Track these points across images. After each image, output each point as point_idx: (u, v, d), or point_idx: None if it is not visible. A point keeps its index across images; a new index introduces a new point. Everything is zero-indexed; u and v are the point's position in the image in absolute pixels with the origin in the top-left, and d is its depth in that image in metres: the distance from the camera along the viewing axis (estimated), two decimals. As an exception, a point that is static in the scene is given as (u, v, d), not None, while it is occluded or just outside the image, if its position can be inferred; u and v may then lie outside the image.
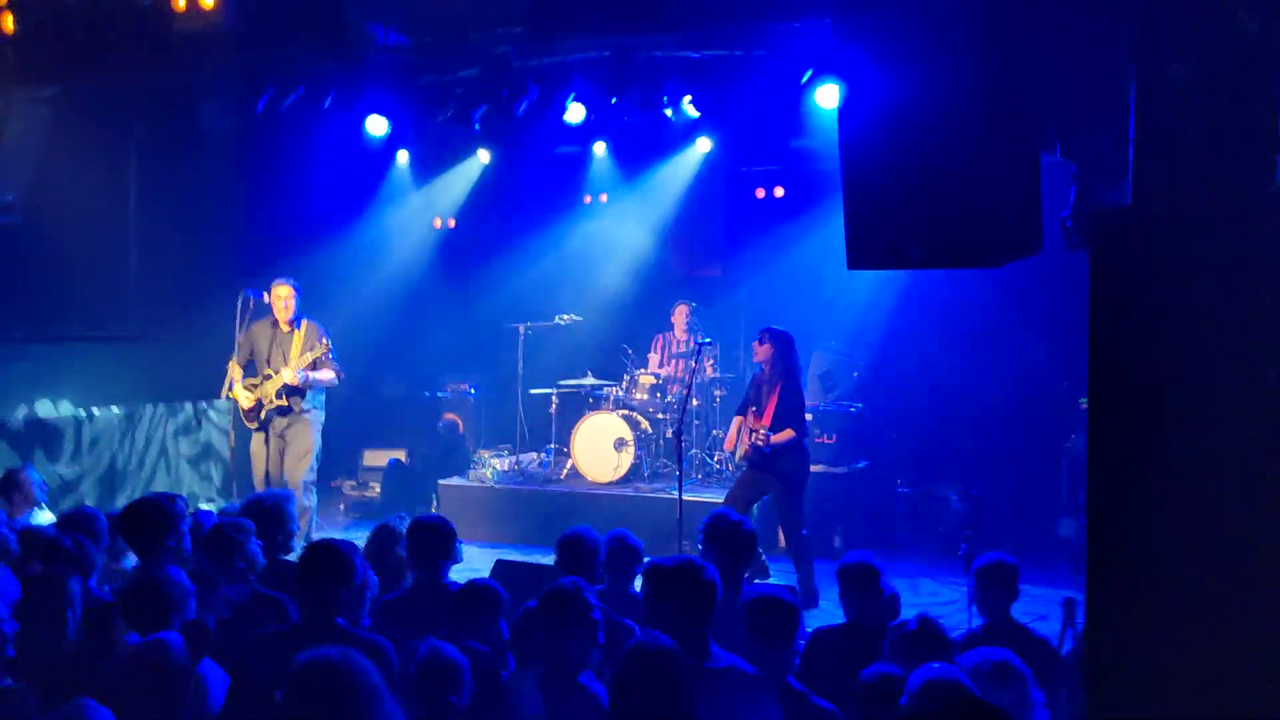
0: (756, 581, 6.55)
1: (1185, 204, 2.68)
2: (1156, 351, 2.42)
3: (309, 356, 8.40)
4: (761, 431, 7.67)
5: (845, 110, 4.42)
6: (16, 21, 7.26)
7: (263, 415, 8.48)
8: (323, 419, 8.67)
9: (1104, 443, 2.56)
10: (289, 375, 8.33)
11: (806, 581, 7.76)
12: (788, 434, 7.74)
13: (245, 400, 8.50)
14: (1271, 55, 2.59)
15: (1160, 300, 2.42)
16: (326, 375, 8.53)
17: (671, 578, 3.91)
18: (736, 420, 8.31)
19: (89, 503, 9.59)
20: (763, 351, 7.90)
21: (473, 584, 4.59)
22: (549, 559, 5.29)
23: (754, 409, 7.92)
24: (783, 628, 4.05)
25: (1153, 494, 2.45)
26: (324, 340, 8.54)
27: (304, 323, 8.61)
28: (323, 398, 8.69)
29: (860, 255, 4.47)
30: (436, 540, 4.92)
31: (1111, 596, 2.49)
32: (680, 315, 10.96)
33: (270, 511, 5.40)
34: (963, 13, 4.16)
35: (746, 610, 4.10)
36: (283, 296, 8.50)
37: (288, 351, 8.46)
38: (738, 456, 8.40)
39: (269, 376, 8.45)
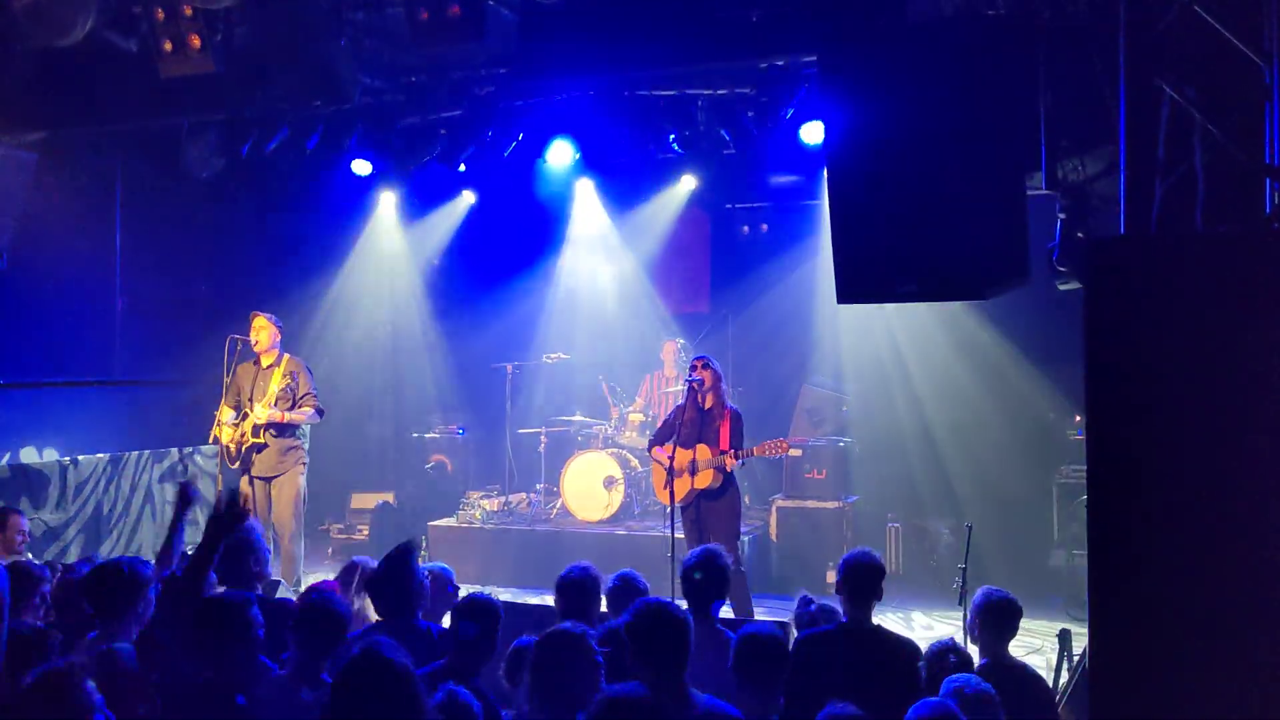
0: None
1: (1179, 231, 2.70)
2: (1152, 377, 2.42)
3: (275, 391, 8.34)
4: (732, 454, 7.61)
5: (831, 147, 4.46)
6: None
7: (241, 452, 8.41)
8: (307, 460, 8.60)
9: (1103, 469, 2.56)
10: (260, 414, 8.28)
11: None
12: (777, 446, 7.72)
13: (226, 437, 8.42)
14: (1263, 82, 2.62)
15: (1155, 327, 2.43)
16: (306, 412, 8.45)
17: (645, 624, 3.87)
18: (664, 458, 7.81)
19: (74, 550, 9.51)
20: (709, 377, 7.82)
21: (471, 597, 4.54)
22: (539, 599, 5.25)
23: (701, 442, 7.75)
24: (772, 668, 4.02)
25: (1152, 518, 2.45)
26: (301, 377, 8.48)
27: (285, 359, 8.55)
28: (306, 439, 8.62)
29: (849, 290, 4.50)
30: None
31: (1114, 622, 2.48)
32: (669, 353, 10.97)
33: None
34: (947, 49, 4.21)
35: (735, 649, 4.06)
36: (257, 328, 8.46)
37: (266, 388, 8.41)
38: (679, 498, 7.78)
39: (247, 415, 8.38)
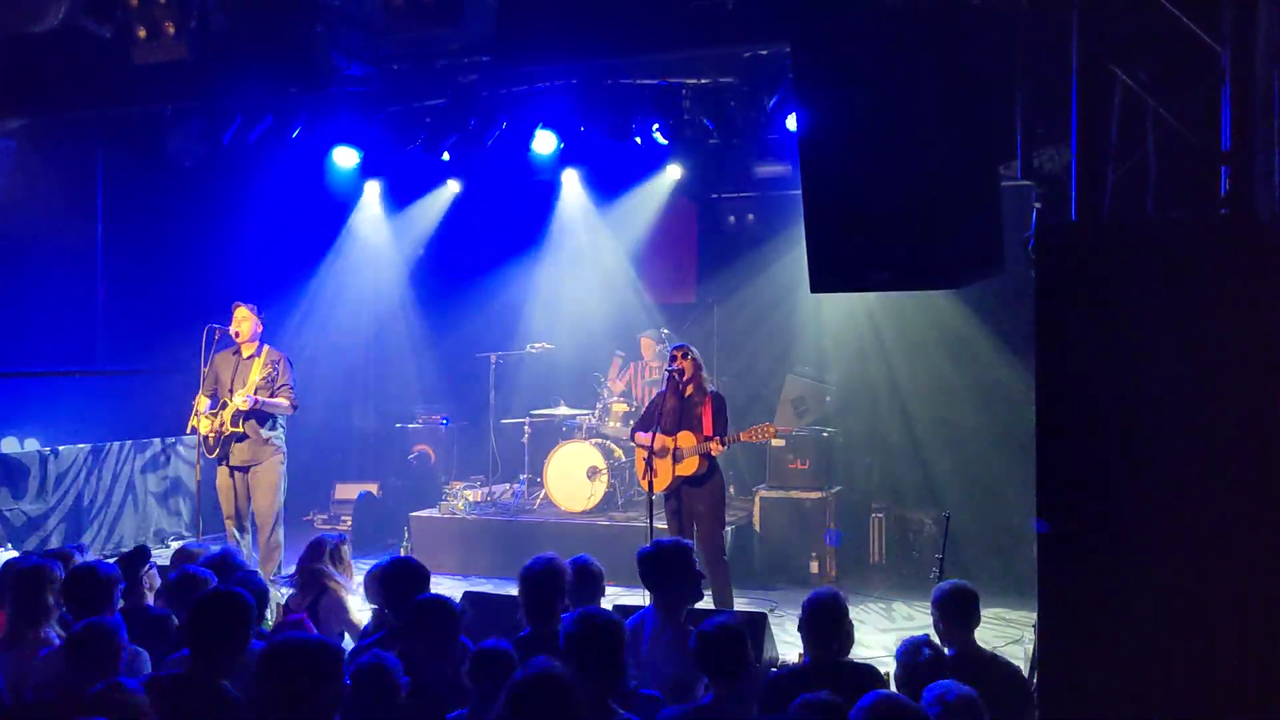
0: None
1: (1130, 217, 2.68)
2: (1101, 361, 2.41)
3: (255, 380, 8.31)
4: (717, 440, 7.59)
5: (805, 136, 4.43)
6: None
7: (220, 442, 8.36)
8: (285, 450, 8.56)
9: (1051, 453, 2.55)
10: (239, 400, 8.23)
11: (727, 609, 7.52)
12: (763, 431, 7.71)
13: (204, 428, 8.38)
14: (1217, 66, 2.60)
15: (1104, 311, 2.41)
16: (280, 402, 8.39)
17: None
18: (648, 443, 7.77)
19: (55, 541, 9.47)
20: (689, 367, 7.79)
21: (424, 599, 4.52)
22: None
23: (684, 429, 7.73)
24: (735, 658, 4.00)
25: (1100, 502, 2.44)
26: (281, 367, 8.44)
27: (265, 349, 8.52)
28: (283, 428, 8.58)
29: (823, 279, 4.47)
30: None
31: (1062, 607, 2.47)
32: (647, 346, 10.95)
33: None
34: (920, 39, 4.18)
35: (696, 645, 4.04)
36: (239, 319, 8.42)
37: (246, 378, 8.38)
38: (663, 487, 7.77)
39: (225, 405, 8.33)
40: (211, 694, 3.83)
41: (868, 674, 4.51)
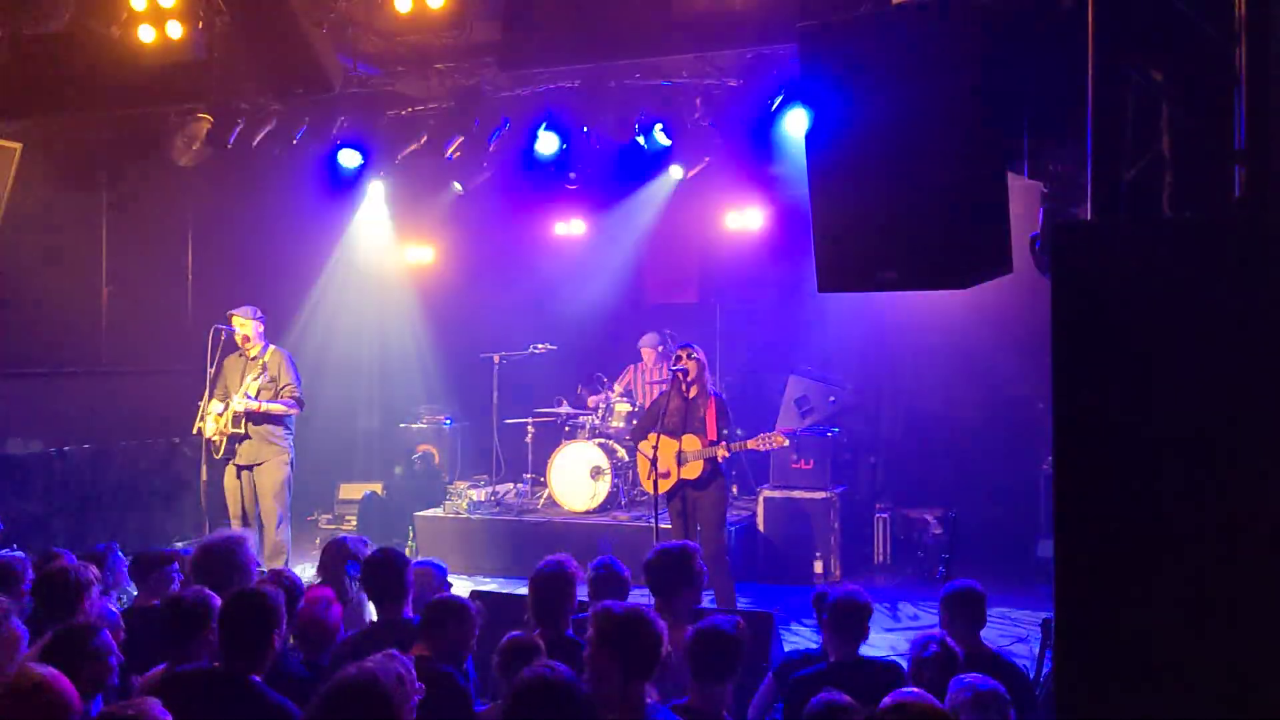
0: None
1: (1145, 217, 2.68)
2: (1119, 364, 2.40)
3: (254, 384, 8.33)
4: (724, 446, 7.61)
5: (813, 135, 4.42)
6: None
7: (223, 444, 8.38)
8: (292, 451, 8.57)
9: (1069, 455, 2.55)
10: (237, 402, 8.27)
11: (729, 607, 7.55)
12: (771, 439, 7.74)
13: (209, 430, 8.40)
14: (1231, 65, 2.60)
15: (1121, 311, 2.41)
16: (276, 407, 8.41)
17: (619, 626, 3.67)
18: (650, 445, 7.80)
19: (60, 541, 9.47)
20: (694, 367, 7.79)
21: (443, 600, 4.52)
22: (526, 590, 5.23)
23: (688, 432, 7.73)
24: (725, 661, 3.98)
25: (1119, 508, 2.43)
26: (282, 368, 8.46)
27: (270, 350, 8.54)
28: (291, 430, 8.59)
29: (830, 279, 4.47)
30: (390, 575, 4.90)
31: (1080, 614, 2.47)
32: (648, 346, 10.95)
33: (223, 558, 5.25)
34: (928, 37, 4.18)
35: (689, 643, 4.02)
36: (239, 325, 8.44)
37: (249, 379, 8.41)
38: (664, 489, 7.79)
39: (229, 407, 8.36)
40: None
41: (893, 671, 4.51)
